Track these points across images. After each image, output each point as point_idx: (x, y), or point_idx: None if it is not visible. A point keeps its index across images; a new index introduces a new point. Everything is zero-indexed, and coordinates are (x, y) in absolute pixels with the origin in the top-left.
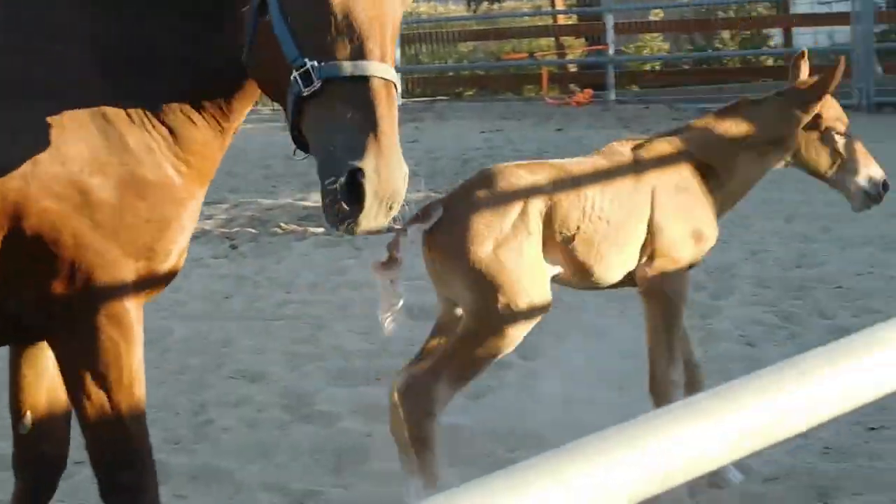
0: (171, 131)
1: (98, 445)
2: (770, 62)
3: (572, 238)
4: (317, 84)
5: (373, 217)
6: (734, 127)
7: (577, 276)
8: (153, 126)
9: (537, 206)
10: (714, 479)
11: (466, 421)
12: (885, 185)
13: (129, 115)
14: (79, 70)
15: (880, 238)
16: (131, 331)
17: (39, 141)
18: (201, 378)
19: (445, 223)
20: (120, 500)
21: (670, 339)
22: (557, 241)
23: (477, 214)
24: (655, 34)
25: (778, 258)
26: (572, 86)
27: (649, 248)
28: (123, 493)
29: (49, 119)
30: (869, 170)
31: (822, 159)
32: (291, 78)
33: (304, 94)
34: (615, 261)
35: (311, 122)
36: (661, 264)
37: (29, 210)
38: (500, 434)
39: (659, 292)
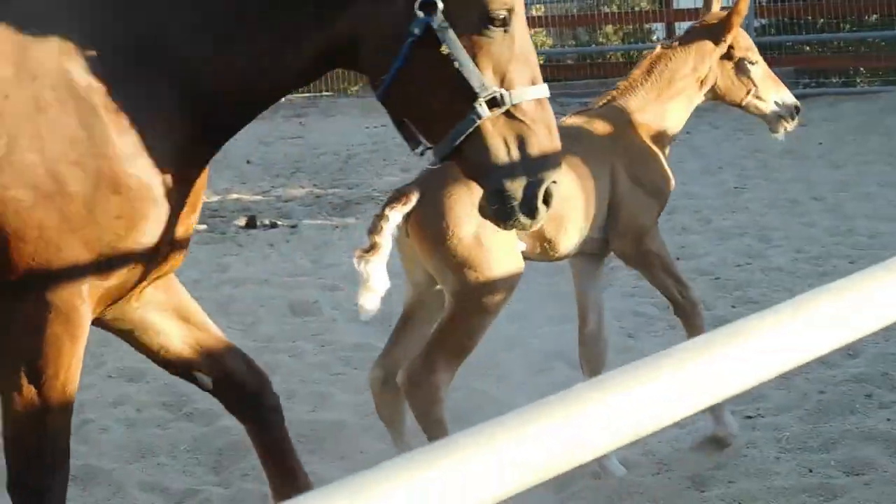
0: (162, 132)
1: (17, 438)
2: None
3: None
4: (503, 108)
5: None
6: (661, 79)
7: (542, 251)
8: (143, 124)
9: None
10: (597, 470)
11: (350, 417)
12: (796, 108)
13: (119, 110)
14: (77, 58)
15: (758, 230)
16: (78, 329)
17: (20, 125)
18: (80, 378)
19: (425, 207)
20: (26, 497)
21: (672, 273)
22: None
23: (456, 197)
24: (539, 29)
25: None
26: None
27: (618, 219)
28: (30, 490)
29: (34, 103)
30: (781, 94)
31: (738, 88)
32: (476, 104)
33: (487, 118)
34: (579, 235)
35: (492, 141)
36: (634, 231)
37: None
38: (383, 430)
39: (643, 254)
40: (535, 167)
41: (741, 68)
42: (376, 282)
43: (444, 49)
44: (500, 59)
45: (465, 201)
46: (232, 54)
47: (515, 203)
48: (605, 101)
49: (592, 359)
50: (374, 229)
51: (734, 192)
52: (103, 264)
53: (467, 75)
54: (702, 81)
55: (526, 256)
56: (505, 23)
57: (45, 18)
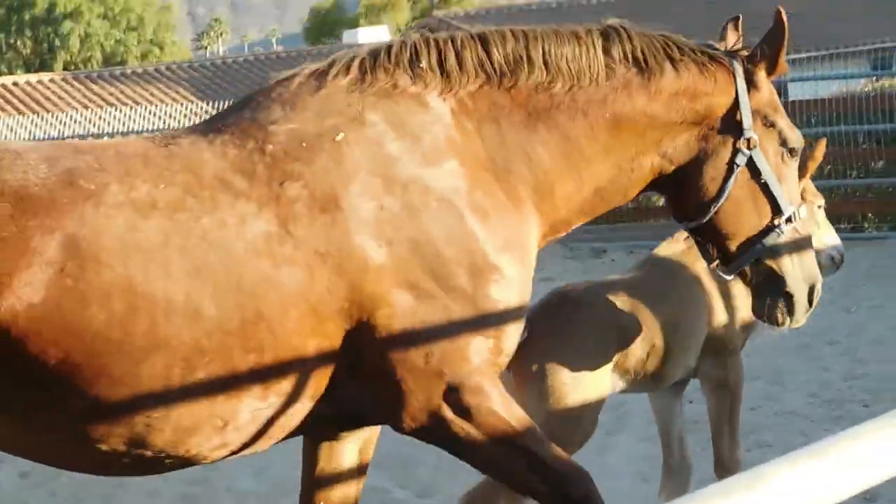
0: (524, 231)
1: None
2: (661, 203)
3: (647, 355)
4: (795, 224)
5: None
6: None
7: (643, 384)
8: (508, 224)
9: (619, 330)
10: None
11: None
12: (842, 256)
13: (487, 212)
14: (439, 167)
15: (771, 373)
16: (501, 400)
17: (396, 232)
18: None
19: (530, 345)
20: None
21: (733, 424)
22: (632, 361)
23: (563, 342)
24: None
25: None
26: None
27: (710, 345)
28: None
29: (407, 211)
30: (836, 240)
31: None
32: (779, 222)
33: (787, 232)
34: (680, 364)
35: (788, 251)
36: (721, 359)
37: (383, 301)
38: None
39: (723, 384)
40: (811, 273)
41: (810, 211)
42: None
43: (763, 176)
44: (790, 183)
45: (573, 343)
46: (579, 178)
47: (799, 305)
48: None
49: (677, 488)
50: None
51: None
52: (492, 345)
53: (777, 197)
54: None
55: (624, 391)
56: (797, 154)
57: (408, 132)
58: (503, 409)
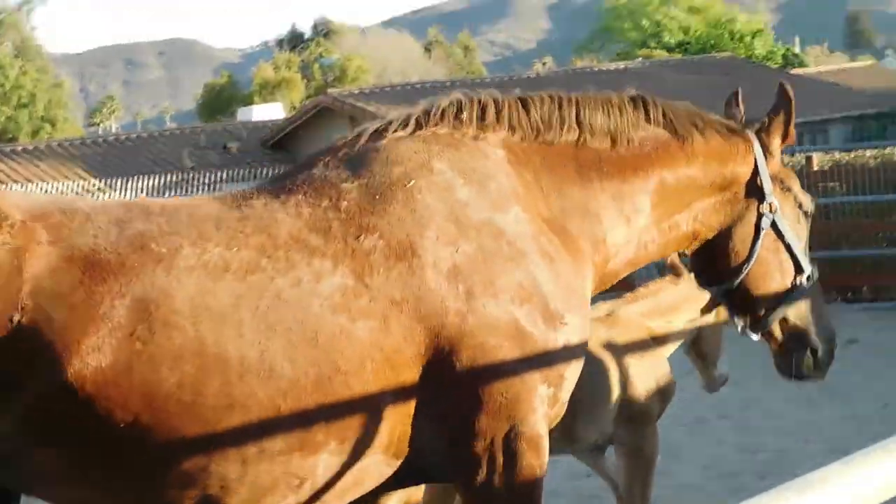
0: (584, 278)
1: None
2: None
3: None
4: (813, 281)
5: None
6: (682, 293)
7: (557, 441)
8: (571, 269)
9: None
10: None
11: None
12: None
13: (552, 257)
14: (505, 213)
15: (665, 447)
16: (545, 455)
17: (473, 275)
18: None
19: None
20: None
21: (645, 493)
22: None
23: None
24: None
25: (568, 468)
26: None
27: (625, 410)
28: None
29: (481, 254)
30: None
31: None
32: (800, 281)
33: (805, 288)
34: (592, 425)
35: (805, 308)
36: (637, 426)
37: (464, 344)
38: None
39: (637, 450)
40: (830, 327)
41: None
42: None
43: (786, 238)
44: (804, 242)
45: None
46: (628, 229)
47: (826, 358)
48: (617, 305)
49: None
50: None
51: None
52: (551, 394)
53: (799, 256)
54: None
55: None
56: (809, 217)
57: (475, 178)
58: (538, 472)
